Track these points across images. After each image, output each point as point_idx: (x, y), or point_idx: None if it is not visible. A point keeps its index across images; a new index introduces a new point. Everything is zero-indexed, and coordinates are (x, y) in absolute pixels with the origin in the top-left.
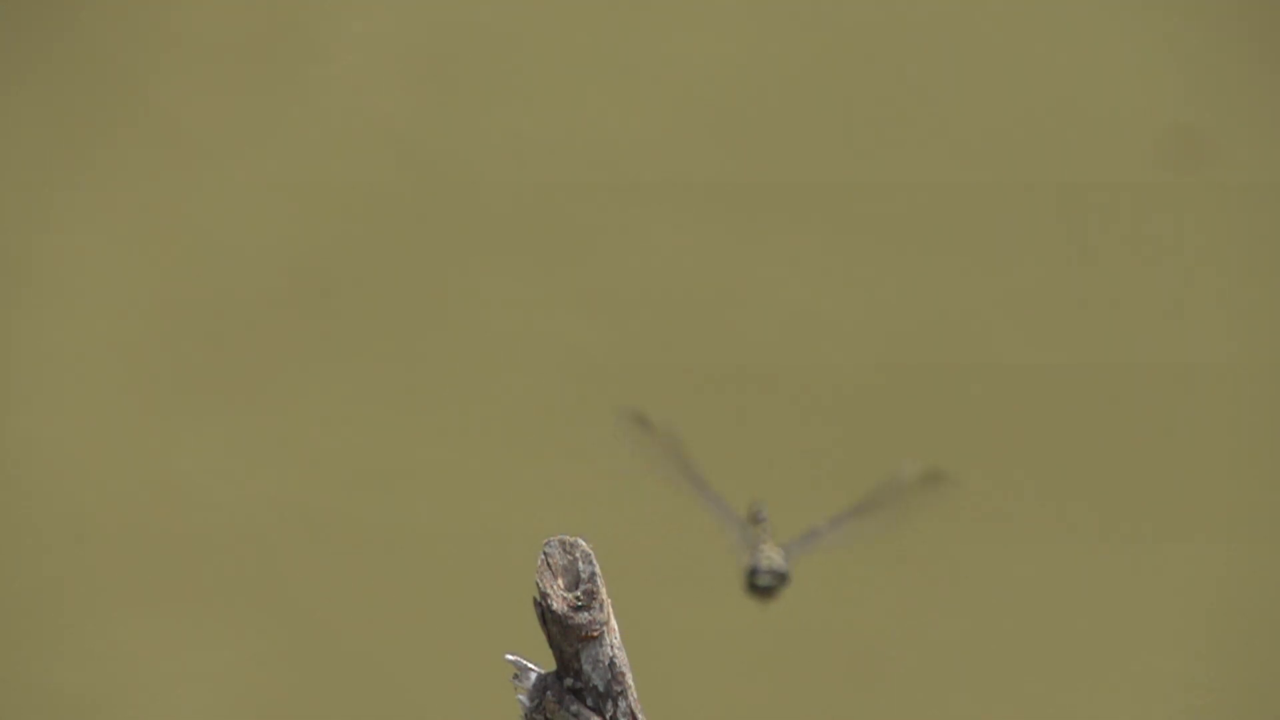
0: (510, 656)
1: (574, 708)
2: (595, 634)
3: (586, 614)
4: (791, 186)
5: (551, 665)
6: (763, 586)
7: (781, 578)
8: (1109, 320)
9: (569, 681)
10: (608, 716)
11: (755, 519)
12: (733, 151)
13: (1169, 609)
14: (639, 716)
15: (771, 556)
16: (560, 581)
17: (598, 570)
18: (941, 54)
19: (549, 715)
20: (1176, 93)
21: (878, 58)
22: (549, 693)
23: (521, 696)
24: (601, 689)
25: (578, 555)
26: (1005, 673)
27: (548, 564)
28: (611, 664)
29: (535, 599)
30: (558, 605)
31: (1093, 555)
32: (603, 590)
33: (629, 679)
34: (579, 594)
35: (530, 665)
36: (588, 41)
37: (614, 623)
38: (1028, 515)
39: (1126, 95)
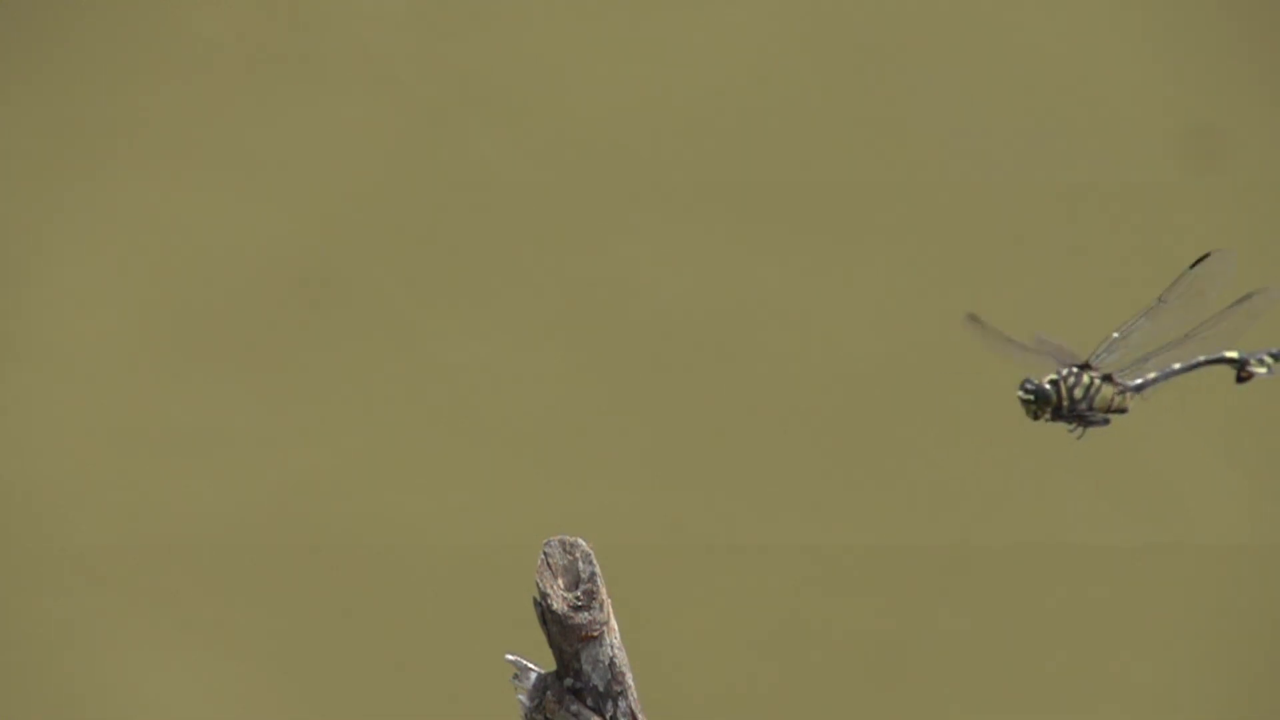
0: (510, 656)
1: (574, 708)
2: (595, 634)
3: (586, 614)
4: (799, 188)
5: (551, 665)
6: (1021, 400)
7: (1039, 395)
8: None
9: (569, 681)
10: (608, 716)
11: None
12: (741, 152)
13: (1175, 606)
14: (639, 716)
15: (1047, 376)
16: (560, 581)
17: (598, 570)
18: (952, 54)
19: (549, 715)
20: (1192, 93)
21: (888, 58)
22: (549, 693)
23: (521, 696)
24: (601, 689)
25: (578, 555)
26: (1003, 672)
27: (548, 564)
28: (611, 664)
29: (535, 599)
30: (558, 605)
31: (1095, 555)
32: (602, 590)
33: (629, 679)
34: (579, 594)
35: (530, 665)
36: (590, 43)
37: (614, 623)
38: (1028, 516)
39: (1140, 96)
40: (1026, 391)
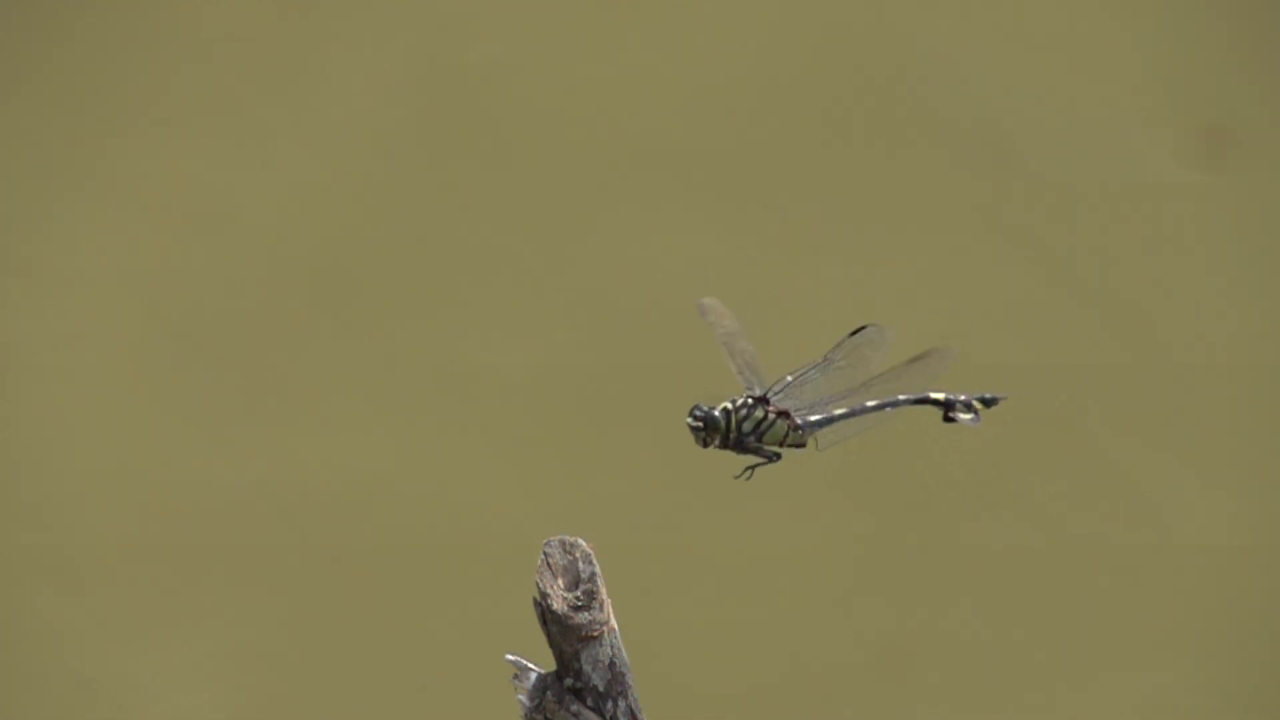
0: (510, 656)
1: (574, 708)
2: (595, 634)
3: (586, 614)
4: (798, 187)
5: (551, 665)
6: (690, 426)
7: (708, 422)
8: (1132, 319)
9: (569, 681)
10: (608, 716)
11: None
12: (743, 149)
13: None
14: (639, 716)
15: (720, 404)
16: (560, 581)
17: (598, 570)
18: (959, 54)
19: (549, 715)
20: (1200, 93)
21: (888, 56)
22: (549, 693)
23: (521, 696)
24: (601, 689)
25: (578, 555)
26: (1004, 672)
27: (548, 564)
28: (611, 664)
29: (535, 599)
30: (558, 605)
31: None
32: (602, 590)
33: (629, 679)
34: (579, 594)
35: (530, 665)
36: (587, 42)
37: (614, 623)
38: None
39: (1148, 96)
40: (695, 418)
